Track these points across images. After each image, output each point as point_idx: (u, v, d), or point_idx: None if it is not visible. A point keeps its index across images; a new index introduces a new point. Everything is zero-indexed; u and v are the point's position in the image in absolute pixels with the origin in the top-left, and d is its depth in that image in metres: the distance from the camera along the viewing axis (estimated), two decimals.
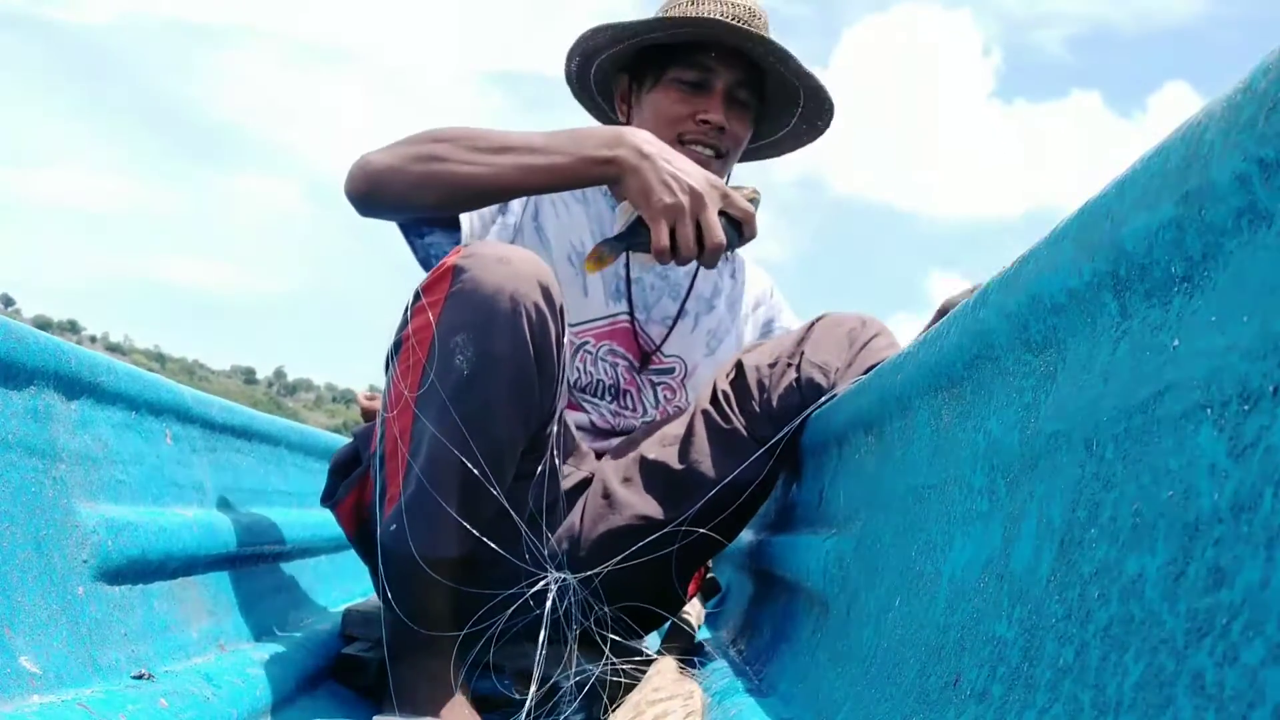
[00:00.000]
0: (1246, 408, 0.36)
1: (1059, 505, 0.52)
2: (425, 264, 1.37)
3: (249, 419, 1.47)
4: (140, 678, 0.86)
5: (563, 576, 1.04)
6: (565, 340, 1.13)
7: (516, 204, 1.39)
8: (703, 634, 1.48)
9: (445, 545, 1.04)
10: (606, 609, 1.09)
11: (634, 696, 0.96)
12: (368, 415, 4.32)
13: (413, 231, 1.37)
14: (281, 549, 1.43)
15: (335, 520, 1.30)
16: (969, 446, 0.69)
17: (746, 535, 1.49)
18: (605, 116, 1.59)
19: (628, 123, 1.47)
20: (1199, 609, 0.36)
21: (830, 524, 1.07)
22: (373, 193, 1.26)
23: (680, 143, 1.39)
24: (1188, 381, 0.41)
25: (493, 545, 1.05)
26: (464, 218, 1.33)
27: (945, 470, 0.73)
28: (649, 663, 1.11)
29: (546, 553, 1.11)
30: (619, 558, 1.14)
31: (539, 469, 1.17)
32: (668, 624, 1.45)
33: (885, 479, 0.89)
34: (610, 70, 1.50)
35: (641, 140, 1.17)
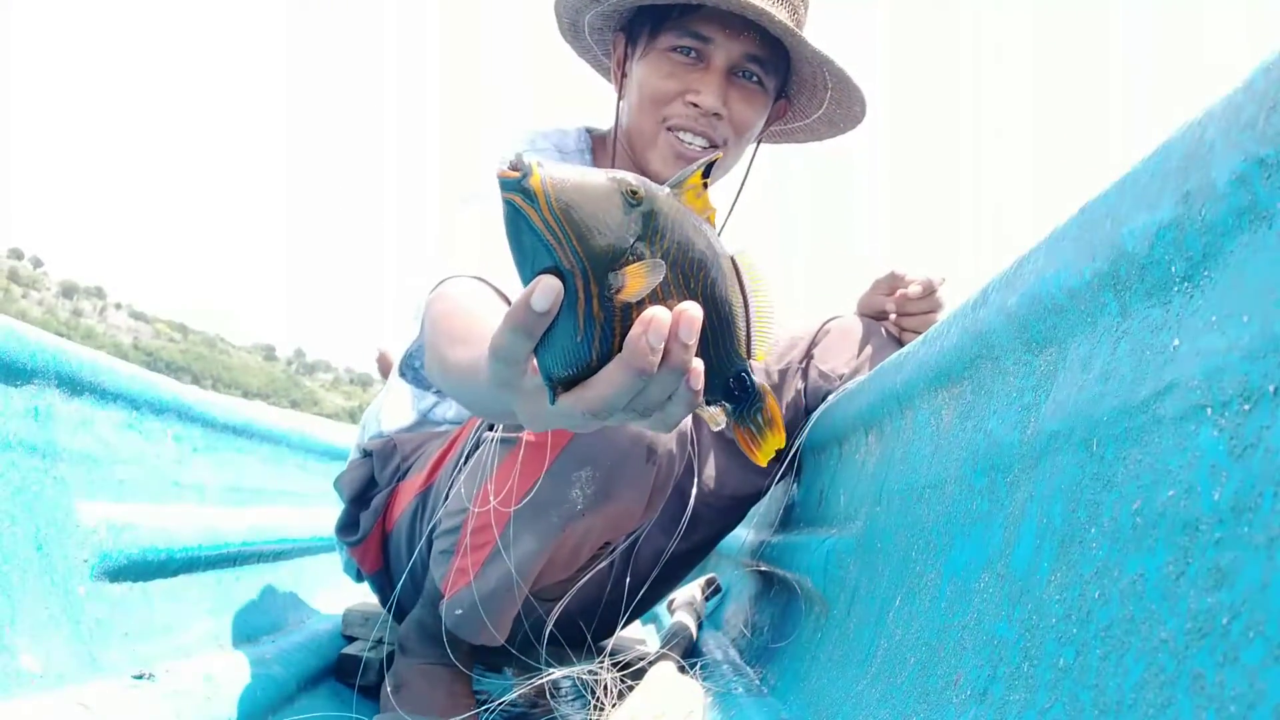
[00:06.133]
0: (1246, 408, 0.36)
1: (1059, 505, 0.52)
2: (418, 383, 1.26)
3: (249, 419, 1.47)
4: (140, 677, 0.86)
5: (599, 673, 1.04)
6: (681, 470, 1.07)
7: None
8: (703, 634, 1.48)
9: (505, 632, 1.05)
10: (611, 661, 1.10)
11: (634, 697, 0.96)
12: (382, 366, 4.32)
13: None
14: (281, 549, 1.43)
15: (350, 555, 1.27)
16: (969, 446, 0.69)
17: (747, 535, 1.49)
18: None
19: (620, 93, 1.25)
20: (1199, 609, 0.36)
21: (831, 524, 1.07)
22: None
23: (666, 129, 1.17)
24: (1188, 381, 0.41)
25: (531, 662, 1.08)
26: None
27: (945, 470, 0.73)
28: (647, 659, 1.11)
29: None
30: (638, 599, 1.16)
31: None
32: (668, 626, 1.45)
33: (886, 479, 0.89)
34: (604, 28, 1.25)
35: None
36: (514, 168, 0.50)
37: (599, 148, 1.29)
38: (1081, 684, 0.44)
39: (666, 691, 0.97)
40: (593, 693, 0.97)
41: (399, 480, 1.23)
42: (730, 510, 1.29)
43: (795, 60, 1.21)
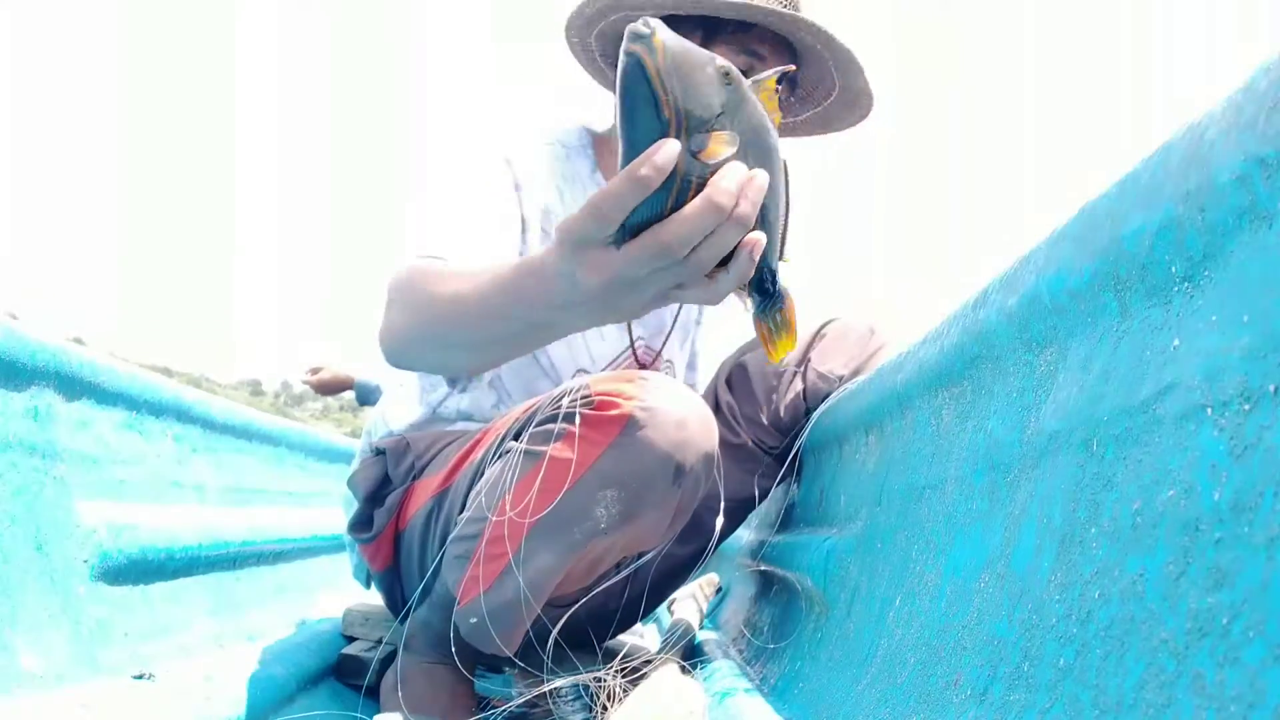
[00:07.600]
0: (1246, 408, 0.36)
1: (1059, 505, 0.52)
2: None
3: (249, 419, 1.47)
4: (140, 677, 0.86)
5: (603, 678, 1.03)
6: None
7: (524, 232, 1.19)
8: (703, 634, 1.48)
9: (515, 644, 1.04)
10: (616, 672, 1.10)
11: (635, 698, 0.96)
12: (318, 388, 4.34)
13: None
14: (281, 549, 1.43)
15: (359, 553, 1.24)
16: (969, 446, 0.69)
17: (747, 535, 1.49)
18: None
19: None
20: (1199, 609, 0.36)
21: (831, 524, 1.07)
22: (408, 367, 1.13)
23: None
24: (1188, 381, 0.41)
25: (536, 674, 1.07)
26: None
27: (945, 470, 0.73)
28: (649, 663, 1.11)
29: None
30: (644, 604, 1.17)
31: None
32: (669, 626, 1.45)
33: (886, 479, 0.89)
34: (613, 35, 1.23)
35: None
36: (645, 24, 0.59)
37: (601, 146, 1.28)
38: (1081, 684, 0.44)
39: (667, 692, 0.97)
40: (594, 695, 0.97)
41: (414, 479, 1.23)
42: (731, 513, 1.29)
43: (800, 50, 1.19)
